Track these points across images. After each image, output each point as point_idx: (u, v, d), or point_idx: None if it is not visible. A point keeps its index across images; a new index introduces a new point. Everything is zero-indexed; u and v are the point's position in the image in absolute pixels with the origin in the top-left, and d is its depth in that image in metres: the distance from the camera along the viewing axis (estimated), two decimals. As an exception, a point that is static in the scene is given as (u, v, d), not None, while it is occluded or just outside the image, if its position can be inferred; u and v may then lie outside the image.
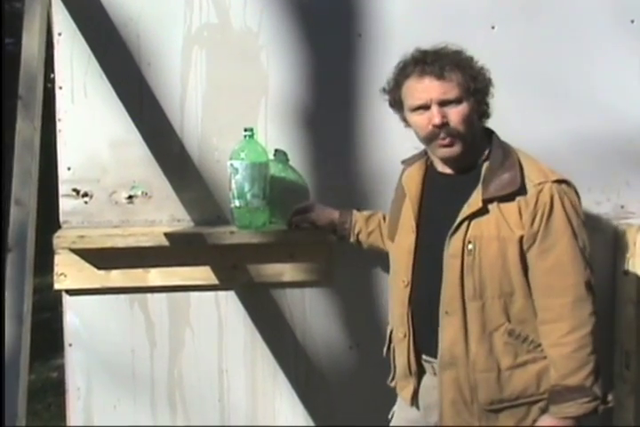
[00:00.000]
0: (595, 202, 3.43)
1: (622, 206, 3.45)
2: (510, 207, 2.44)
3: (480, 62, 2.56)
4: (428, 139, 2.50)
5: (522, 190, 2.45)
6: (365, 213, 3.02)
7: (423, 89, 2.44)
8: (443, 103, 2.43)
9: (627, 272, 3.38)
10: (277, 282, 3.30)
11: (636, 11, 3.38)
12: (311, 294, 3.35)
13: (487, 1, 3.31)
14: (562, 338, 2.41)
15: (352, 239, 3.03)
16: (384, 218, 2.96)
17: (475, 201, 2.46)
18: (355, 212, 3.04)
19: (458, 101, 2.44)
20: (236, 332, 3.33)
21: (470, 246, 2.44)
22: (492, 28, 3.32)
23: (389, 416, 2.84)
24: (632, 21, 3.38)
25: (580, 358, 2.41)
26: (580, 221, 2.47)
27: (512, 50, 3.32)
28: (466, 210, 2.47)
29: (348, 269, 3.26)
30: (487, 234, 2.44)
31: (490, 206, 2.46)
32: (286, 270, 3.28)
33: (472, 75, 2.47)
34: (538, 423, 2.48)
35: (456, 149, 2.48)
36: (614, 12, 3.37)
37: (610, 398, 2.49)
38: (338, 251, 3.24)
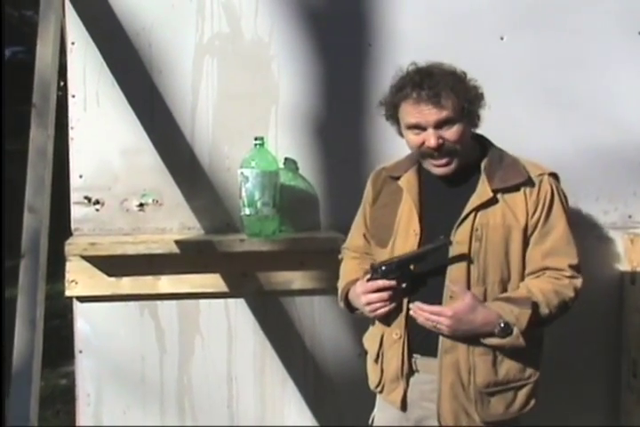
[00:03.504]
0: (602, 212, 3.45)
1: (630, 216, 3.47)
2: (516, 197, 2.56)
3: (472, 77, 2.59)
4: (423, 156, 2.59)
5: (527, 181, 2.57)
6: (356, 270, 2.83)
7: (419, 113, 2.50)
8: (438, 125, 2.50)
9: (634, 281, 3.39)
10: (287, 290, 3.32)
11: (644, 22, 3.41)
12: (320, 302, 3.37)
13: (496, 12, 3.33)
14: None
15: None
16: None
17: (484, 192, 2.55)
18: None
19: (452, 122, 2.51)
20: (246, 339, 3.35)
21: (478, 233, 2.53)
22: (501, 38, 3.34)
23: (370, 422, 2.83)
24: (639, 33, 3.41)
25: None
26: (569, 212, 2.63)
27: (521, 60, 3.34)
28: (475, 200, 2.54)
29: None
30: (493, 222, 2.53)
31: (497, 196, 2.56)
32: (296, 278, 3.30)
33: (466, 97, 2.53)
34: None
35: (451, 168, 2.57)
36: (621, 23, 3.40)
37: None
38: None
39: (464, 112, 2.51)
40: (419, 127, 2.52)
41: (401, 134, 2.64)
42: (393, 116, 2.62)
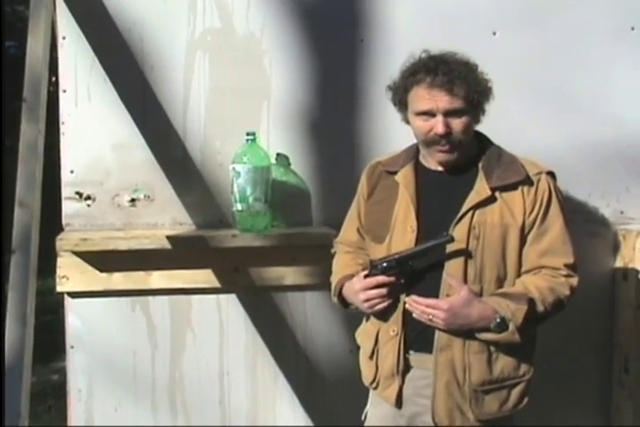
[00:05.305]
0: (595, 207, 3.45)
1: (622, 212, 3.47)
2: (514, 196, 2.56)
3: (483, 70, 2.59)
4: (428, 143, 2.57)
5: (525, 180, 2.57)
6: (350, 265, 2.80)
7: (431, 98, 2.49)
8: (447, 113, 2.49)
9: (626, 277, 3.39)
10: (279, 285, 3.32)
11: (636, 18, 3.41)
12: (312, 298, 3.37)
13: (489, 7, 3.33)
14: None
15: None
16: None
17: (482, 189, 2.54)
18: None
19: (462, 113, 2.51)
20: (238, 335, 3.35)
21: (476, 231, 2.52)
22: (494, 33, 3.34)
23: (362, 417, 2.83)
24: (632, 28, 3.41)
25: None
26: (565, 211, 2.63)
27: (513, 55, 3.34)
28: (474, 197, 2.54)
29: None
30: (490, 221, 2.53)
31: (495, 194, 2.55)
32: (288, 274, 3.30)
33: (478, 89, 2.53)
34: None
35: (454, 155, 2.57)
36: (614, 19, 3.40)
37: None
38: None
39: (473, 103, 2.51)
40: (428, 113, 2.51)
41: (406, 121, 2.63)
42: (401, 101, 2.60)
